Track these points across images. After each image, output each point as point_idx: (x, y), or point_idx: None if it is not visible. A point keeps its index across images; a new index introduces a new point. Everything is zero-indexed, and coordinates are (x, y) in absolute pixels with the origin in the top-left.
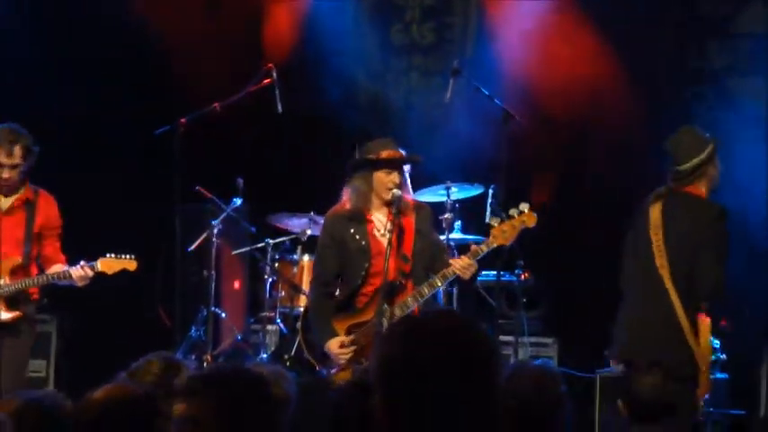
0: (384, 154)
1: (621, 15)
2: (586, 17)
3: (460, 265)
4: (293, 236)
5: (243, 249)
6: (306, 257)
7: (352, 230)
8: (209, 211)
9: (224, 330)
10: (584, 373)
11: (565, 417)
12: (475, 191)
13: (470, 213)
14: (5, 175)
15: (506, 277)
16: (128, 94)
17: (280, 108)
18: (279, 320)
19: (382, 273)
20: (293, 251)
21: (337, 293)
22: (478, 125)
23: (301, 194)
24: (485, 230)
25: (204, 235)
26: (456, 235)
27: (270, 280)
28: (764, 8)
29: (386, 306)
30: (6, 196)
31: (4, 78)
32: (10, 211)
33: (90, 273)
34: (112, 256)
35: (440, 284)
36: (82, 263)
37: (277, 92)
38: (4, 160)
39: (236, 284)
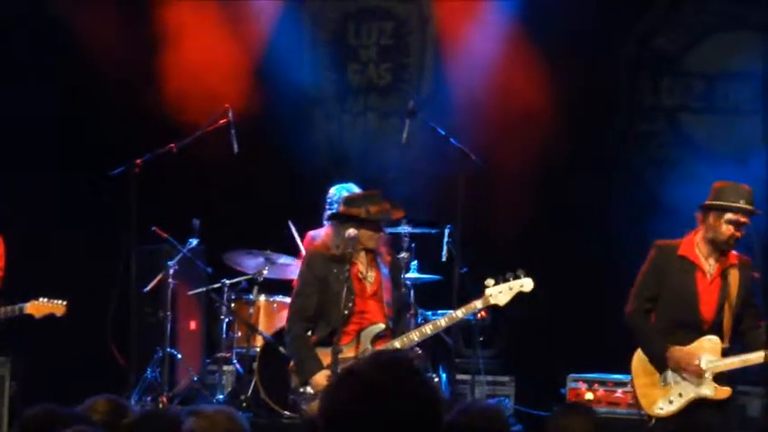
0: (372, 209)
1: (575, 51)
2: (541, 53)
3: (442, 326)
4: (249, 276)
5: (199, 290)
6: (262, 297)
7: (335, 270)
8: (165, 251)
9: (180, 371)
10: (541, 411)
11: None
12: (431, 230)
13: (426, 253)
14: None
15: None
16: (83, 133)
17: (236, 148)
18: (235, 361)
19: (363, 313)
20: (250, 291)
21: (314, 331)
22: (435, 165)
23: (258, 235)
24: (440, 270)
25: (160, 275)
26: (412, 274)
27: (226, 320)
28: (716, 47)
29: (370, 347)
30: None
31: None
32: None
33: (16, 313)
34: (44, 300)
35: (430, 333)
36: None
37: (233, 132)
38: None
39: (193, 325)
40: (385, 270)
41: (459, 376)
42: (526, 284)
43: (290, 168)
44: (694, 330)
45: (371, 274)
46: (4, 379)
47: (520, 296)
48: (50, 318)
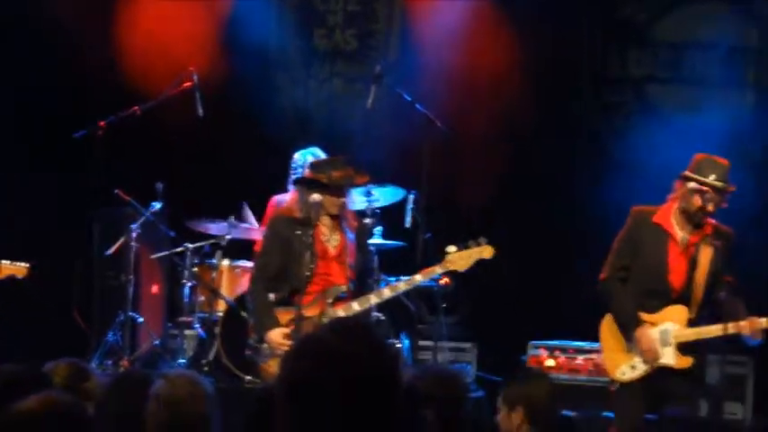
0: (335, 174)
1: (542, 21)
2: (508, 23)
3: (399, 289)
4: (213, 240)
5: (162, 253)
6: (226, 262)
7: (298, 232)
8: (128, 214)
9: (141, 335)
10: (502, 377)
11: (468, 416)
12: (395, 196)
13: (390, 219)
14: None
15: (426, 283)
16: (46, 95)
17: (200, 111)
18: (197, 325)
19: (326, 275)
20: (213, 255)
21: (276, 291)
22: (401, 131)
23: (222, 199)
24: (404, 236)
25: (122, 239)
26: (376, 240)
27: (189, 284)
28: (684, 17)
29: (330, 308)
30: None
31: None
32: None
33: None
34: (6, 262)
35: (388, 295)
36: None
37: (198, 95)
38: None
39: (155, 289)
40: (351, 235)
41: (422, 342)
42: (486, 251)
43: (254, 133)
44: (663, 299)
45: (335, 238)
46: None
47: (482, 263)
48: (12, 279)
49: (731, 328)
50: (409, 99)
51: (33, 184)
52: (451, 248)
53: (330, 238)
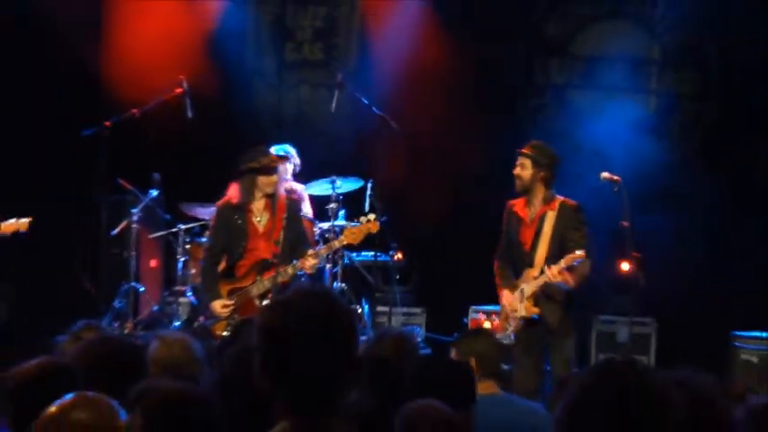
0: (263, 161)
1: (482, 38)
2: (452, 39)
3: (309, 263)
4: (201, 222)
5: (159, 233)
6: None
7: (236, 216)
8: (130, 201)
9: (143, 302)
10: (447, 337)
11: (418, 372)
12: (356, 184)
13: (352, 204)
14: None
15: (382, 258)
16: (61, 98)
17: (189, 113)
18: (189, 294)
19: (257, 250)
20: (202, 235)
21: (222, 264)
22: (360, 129)
23: (208, 187)
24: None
25: (125, 221)
26: (340, 222)
27: (182, 259)
28: (596, 34)
29: (258, 277)
30: None
31: None
32: None
33: None
34: (12, 220)
35: (292, 272)
36: None
37: (187, 100)
38: None
39: (153, 263)
40: (281, 214)
41: (379, 308)
42: (373, 227)
43: (235, 131)
44: (524, 265)
45: (265, 217)
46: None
47: (430, 242)
48: (17, 234)
49: (544, 277)
50: (366, 102)
51: (50, 175)
52: (348, 225)
53: (261, 218)
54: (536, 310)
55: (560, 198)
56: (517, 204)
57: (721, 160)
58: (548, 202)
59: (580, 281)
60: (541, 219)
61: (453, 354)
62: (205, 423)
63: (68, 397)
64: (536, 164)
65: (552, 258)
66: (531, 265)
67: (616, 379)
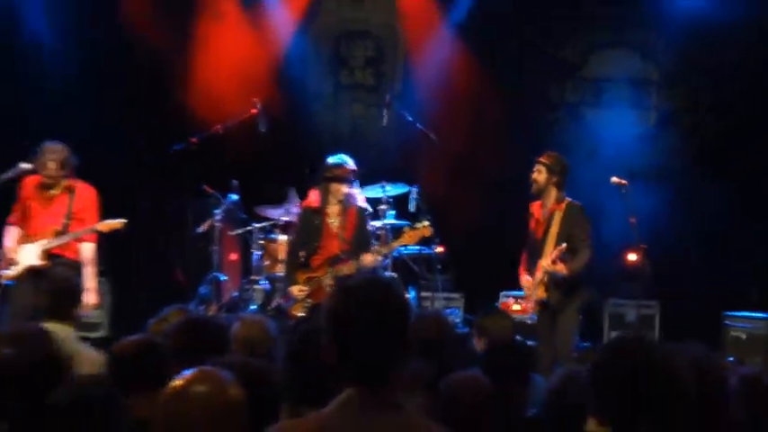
0: (337, 171)
1: (507, 62)
2: (479, 63)
3: (369, 260)
4: (273, 221)
5: (237, 231)
6: (282, 237)
7: (314, 218)
8: (213, 203)
9: (224, 289)
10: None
11: (458, 349)
12: (402, 189)
13: (399, 205)
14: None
15: (426, 251)
16: (154, 117)
17: (263, 130)
18: (263, 282)
19: (330, 247)
20: (273, 232)
21: (302, 257)
22: (406, 142)
23: (279, 191)
24: (409, 218)
25: (209, 221)
26: (389, 221)
27: (257, 253)
28: (604, 59)
29: (330, 269)
30: (52, 189)
31: (55, 102)
32: (55, 196)
33: (89, 231)
34: (109, 220)
35: (358, 265)
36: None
37: (261, 118)
38: (43, 172)
39: (233, 256)
40: (351, 218)
41: (424, 294)
42: (426, 231)
43: (299, 145)
44: (537, 256)
45: (338, 219)
46: (105, 293)
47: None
48: (115, 232)
49: (545, 267)
50: (410, 119)
51: (147, 182)
52: (407, 228)
53: (334, 221)
54: (544, 294)
55: (568, 199)
56: (534, 205)
57: (721, 166)
58: (558, 202)
59: (575, 269)
60: (551, 217)
61: (473, 331)
62: (272, 394)
63: (189, 372)
64: (550, 170)
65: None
66: (542, 256)
67: (627, 357)
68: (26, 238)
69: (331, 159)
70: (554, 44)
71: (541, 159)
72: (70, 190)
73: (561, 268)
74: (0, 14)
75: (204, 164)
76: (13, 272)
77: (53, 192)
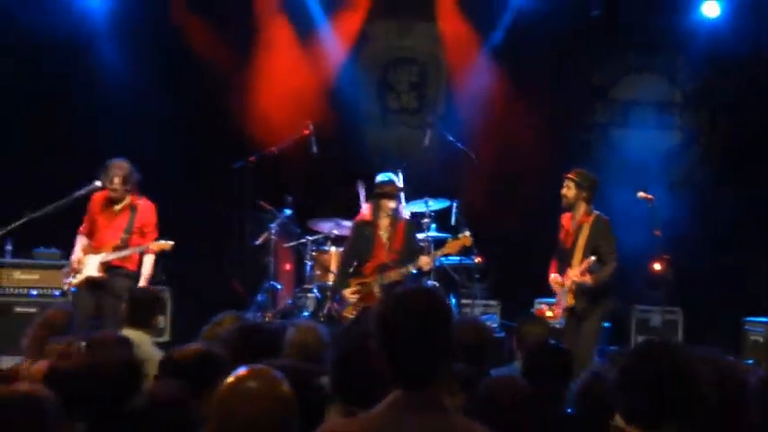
0: (386, 188)
1: (542, 86)
2: (516, 87)
3: (425, 261)
4: (325, 234)
5: (291, 243)
6: (333, 249)
7: (366, 231)
8: (269, 217)
9: (279, 297)
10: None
11: (491, 351)
12: (444, 204)
13: (441, 219)
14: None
15: (465, 261)
16: (216, 137)
17: (315, 150)
18: (315, 290)
19: (380, 256)
20: (325, 244)
21: (353, 266)
22: (447, 160)
23: (330, 207)
24: (450, 231)
25: (266, 234)
26: (432, 233)
27: (310, 264)
28: (631, 84)
29: (379, 275)
30: (117, 204)
31: (139, 128)
32: (118, 212)
33: (143, 249)
34: (160, 241)
35: (411, 270)
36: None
37: (313, 139)
38: (109, 187)
39: (288, 267)
40: (400, 231)
41: (463, 301)
42: (467, 240)
43: (349, 163)
44: (567, 265)
45: (388, 232)
46: (168, 301)
47: (501, 248)
48: (163, 252)
49: (573, 278)
50: (452, 139)
51: (208, 198)
52: (450, 239)
53: (385, 233)
54: (572, 301)
55: (596, 213)
56: (565, 217)
57: (739, 181)
58: (587, 215)
59: (600, 280)
60: (579, 228)
61: (514, 337)
62: (318, 396)
63: (242, 369)
64: (578, 186)
65: (587, 258)
66: (570, 264)
67: (653, 362)
68: (91, 250)
69: (380, 177)
70: (586, 69)
71: (570, 175)
72: (132, 206)
73: (588, 279)
74: (77, 42)
75: (261, 181)
76: (76, 280)
77: (117, 207)
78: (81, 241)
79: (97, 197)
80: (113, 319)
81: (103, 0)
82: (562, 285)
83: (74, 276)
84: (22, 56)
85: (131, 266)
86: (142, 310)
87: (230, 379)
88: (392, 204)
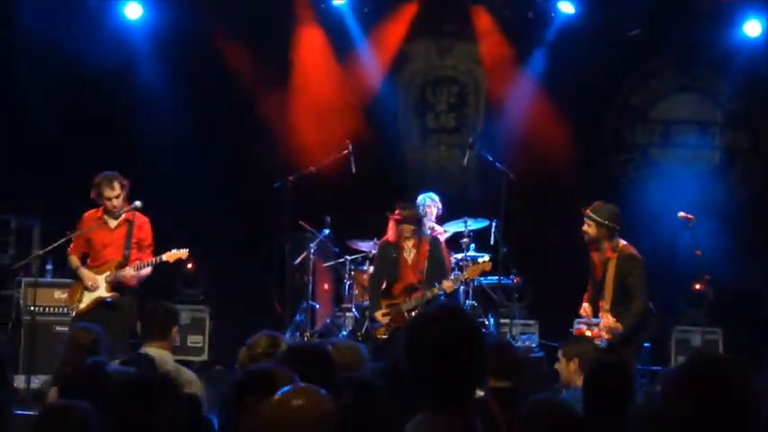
0: (404, 213)
1: (581, 107)
2: (556, 107)
3: (447, 285)
4: (363, 254)
5: (330, 263)
6: (371, 268)
7: (392, 251)
8: (308, 237)
9: (318, 316)
10: (555, 342)
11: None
12: (483, 223)
13: (480, 239)
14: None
15: (504, 280)
16: (257, 158)
17: (354, 169)
18: (354, 310)
19: (407, 277)
20: (363, 264)
21: (382, 287)
22: (486, 180)
23: (368, 226)
24: (490, 250)
25: (305, 253)
26: (471, 252)
27: (348, 283)
28: (671, 105)
29: (407, 297)
30: (113, 219)
31: (180, 150)
32: (115, 228)
33: (158, 261)
34: (174, 250)
35: (435, 292)
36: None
37: (351, 158)
38: (108, 204)
39: (326, 286)
40: (425, 250)
41: (502, 320)
42: (486, 266)
43: (388, 183)
44: (599, 298)
45: (413, 252)
46: (206, 320)
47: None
48: (180, 261)
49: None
50: (491, 159)
51: (247, 218)
52: (472, 263)
53: (410, 253)
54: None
55: (622, 244)
56: (593, 252)
57: None
58: (613, 251)
59: (630, 325)
60: (607, 263)
61: (560, 356)
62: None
63: (288, 388)
64: (599, 225)
65: (617, 294)
66: (602, 298)
67: (700, 381)
68: (92, 270)
69: (420, 198)
70: (625, 89)
71: (588, 212)
72: (129, 221)
73: (617, 327)
74: (119, 67)
75: (300, 201)
76: (84, 304)
77: (114, 223)
78: (74, 262)
79: (90, 215)
80: (122, 338)
81: (145, 26)
82: (590, 317)
83: (93, 289)
84: (68, 84)
85: (132, 283)
86: (159, 324)
87: (278, 396)
88: (407, 228)
